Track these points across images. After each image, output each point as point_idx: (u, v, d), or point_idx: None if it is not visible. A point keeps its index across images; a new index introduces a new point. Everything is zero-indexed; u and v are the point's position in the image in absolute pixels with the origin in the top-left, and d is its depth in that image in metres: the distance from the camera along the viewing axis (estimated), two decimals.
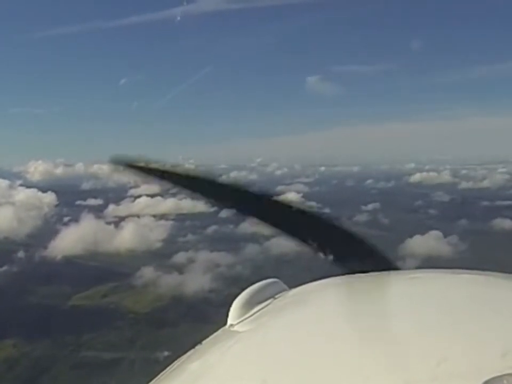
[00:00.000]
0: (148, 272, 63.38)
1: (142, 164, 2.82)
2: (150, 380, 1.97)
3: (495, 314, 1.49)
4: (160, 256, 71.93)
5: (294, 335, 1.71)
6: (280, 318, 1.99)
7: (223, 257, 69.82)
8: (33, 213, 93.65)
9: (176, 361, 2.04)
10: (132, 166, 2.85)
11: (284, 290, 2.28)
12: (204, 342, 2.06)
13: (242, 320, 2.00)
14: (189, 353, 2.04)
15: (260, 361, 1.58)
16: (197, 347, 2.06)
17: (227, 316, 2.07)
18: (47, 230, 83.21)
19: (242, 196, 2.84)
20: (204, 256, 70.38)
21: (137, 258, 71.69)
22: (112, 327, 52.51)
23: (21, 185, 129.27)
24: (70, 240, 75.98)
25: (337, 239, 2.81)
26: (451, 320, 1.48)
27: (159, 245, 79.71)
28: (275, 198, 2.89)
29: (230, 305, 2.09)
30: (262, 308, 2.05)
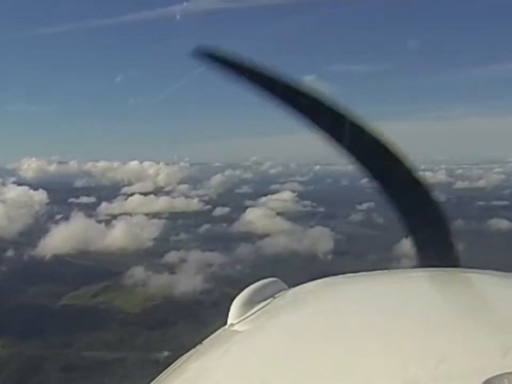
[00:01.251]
0: (138, 272, 62.75)
1: (227, 57, 2.70)
2: (151, 380, 1.98)
3: (495, 313, 1.52)
4: (152, 255, 71.32)
5: (293, 334, 1.72)
6: (280, 318, 2.02)
7: (215, 257, 69.07)
8: (24, 211, 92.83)
9: (176, 361, 2.05)
10: (216, 58, 2.70)
11: (284, 289, 2.28)
12: (204, 341, 2.07)
13: (242, 320, 2.02)
14: (189, 352, 2.06)
15: (260, 361, 1.59)
16: (197, 347, 2.07)
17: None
18: (38, 228, 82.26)
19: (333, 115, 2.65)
20: (196, 256, 69.55)
21: (129, 257, 71.01)
22: (102, 327, 51.87)
23: (14, 182, 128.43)
24: (60, 239, 75.25)
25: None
26: (451, 319, 1.50)
27: (150, 244, 79.05)
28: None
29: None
30: (262, 307, 2.07)
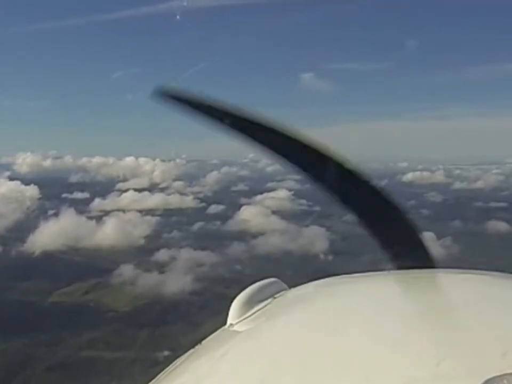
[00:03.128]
0: (129, 270, 61.76)
1: (188, 97, 2.77)
2: (150, 380, 1.98)
3: (495, 313, 1.53)
4: (143, 253, 70.30)
5: (293, 334, 1.72)
6: (280, 318, 2.01)
7: (207, 256, 67.92)
8: (14, 206, 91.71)
9: (176, 361, 2.05)
10: (177, 98, 2.78)
11: (284, 289, 2.27)
12: (203, 341, 2.07)
13: (242, 320, 2.02)
14: (188, 352, 2.05)
15: (260, 361, 1.59)
16: (196, 347, 2.06)
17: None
18: (28, 224, 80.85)
19: (295, 145, 2.70)
20: (187, 255, 68.46)
21: (120, 254, 69.97)
22: (92, 326, 50.83)
23: (8, 177, 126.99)
24: (51, 235, 74.44)
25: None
26: (451, 319, 1.53)
27: (142, 241, 77.79)
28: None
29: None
30: (262, 308, 2.07)
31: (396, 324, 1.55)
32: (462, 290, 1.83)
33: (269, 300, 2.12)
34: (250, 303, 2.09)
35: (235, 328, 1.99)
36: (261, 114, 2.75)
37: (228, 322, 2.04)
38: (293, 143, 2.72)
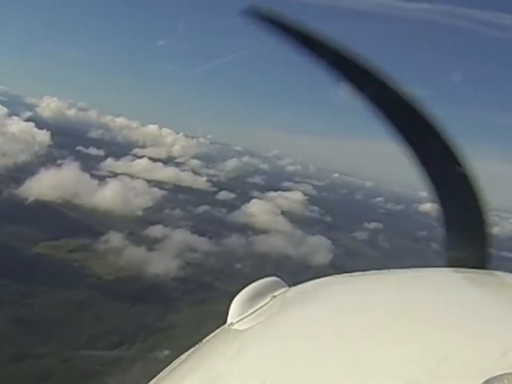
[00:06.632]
0: (117, 239, 59.60)
1: (280, 20, 2.56)
2: (151, 379, 2.01)
3: (495, 313, 1.52)
4: (137, 225, 68.06)
5: (294, 333, 1.71)
6: (280, 317, 1.98)
7: (202, 243, 65.31)
8: (21, 148, 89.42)
9: (176, 360, 2.08)
10: (269, 19, 2.61)
11: (284, 288, 2.26)
12: (203, 340, 2.09)
13: (242, 319, 2.00)
14: (189, 351, 2.08)
15: (260, 360, 1.60)
16: (197, 346, 2.09)
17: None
18: (29, 168, 78.70)
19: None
20: (182, 237, 65.74)
21: (114, 220, 67.89)
22: (70, 286, 48.99)
23: (29, 118, 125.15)
24: (50, 184, 72.24)
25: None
26: (450, 319, 1.51)
27: (140, 212, 75.69)
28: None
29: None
30: (262, 306, 2.06)
31: (396, 323, 1.54)
32: (462, 290, 1.82)
33: (269, 299, 2.10)
34: (250, 301, 2.05)
35: (235, 327, 1.96)
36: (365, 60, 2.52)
37: (228, 321, 2.00)
38: (391, 95, 2.50)
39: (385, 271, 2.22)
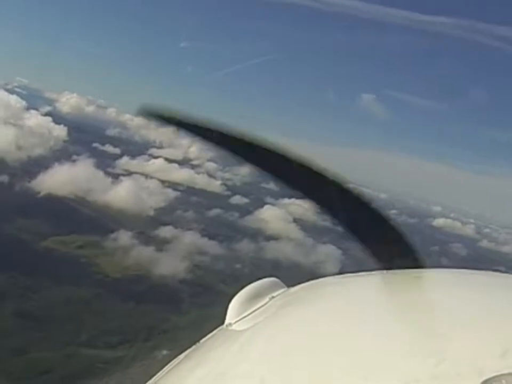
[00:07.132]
0: (126, 238, 59.79)
1: (174, 116, 2.72)
2: (149, 379, 2.04)
3: (494, 313, 1.52)
4: (147, 225, 67.92)
5: (291, 334, 1.71)
6: (278, 317, 2.00)
7: (212, 246, 65.33)
8: (36, 142, 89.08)
9: (174, 360, 2.11)
10: (163, 117, 2.76)
11: (282, 289, 2.28)
12: (202, 340, 2.11)
13: (240, 319, 2.02)
14: (187, 351, 2.10)
15: (258, 360, 1.60)
16: (195, 346, 2.10)
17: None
18: (44, 163, 78.68)
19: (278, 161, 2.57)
20: (192, 239, 65.86)
21: (125, 219, 67.67)
22: (76, 282, 49.04)
23: (47, 112, 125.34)
24: (63, 179, 72.34)
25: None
26: (450, 319, 1.51)
27: (152, 212, 75.61)
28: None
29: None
30: (260, 307, 2.07)
31: (395, 323, 1.55)
32: (461, 290, 1.82)
33: (267, 299, 2.11)
34: (248, 302, 2.07)
35: (233, 327, 1.98)
36: (247, 133, 2.63)
37: (226, 321, 2.02)
38: (283, 161, 2.53)
39: (384, 271, 2.19)
